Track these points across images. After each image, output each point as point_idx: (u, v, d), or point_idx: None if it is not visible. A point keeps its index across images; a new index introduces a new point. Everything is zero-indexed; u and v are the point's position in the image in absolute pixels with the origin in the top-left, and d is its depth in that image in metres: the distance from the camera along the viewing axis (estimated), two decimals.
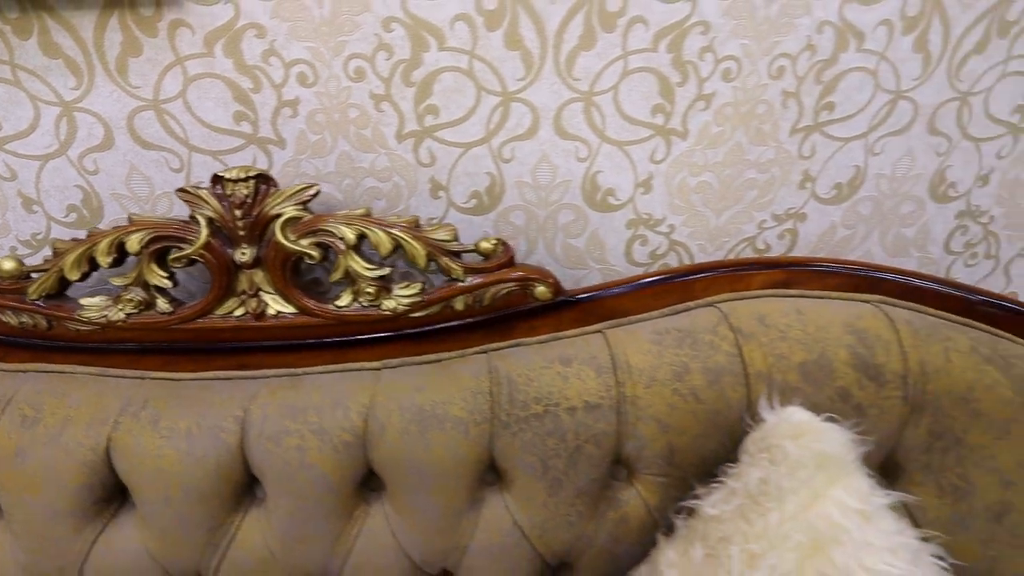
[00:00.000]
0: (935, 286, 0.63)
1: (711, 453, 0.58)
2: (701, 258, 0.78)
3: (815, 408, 0.54)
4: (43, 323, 0.61)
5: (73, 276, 0.61)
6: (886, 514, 0.46)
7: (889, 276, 0.64)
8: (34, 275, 0.61)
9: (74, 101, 0.62)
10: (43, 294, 0.61)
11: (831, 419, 0.51)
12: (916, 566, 0.43)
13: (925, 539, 0.49)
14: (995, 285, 0.91)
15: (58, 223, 0.70)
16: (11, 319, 0.61)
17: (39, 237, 0.70)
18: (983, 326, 0.60)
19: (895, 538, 0.44)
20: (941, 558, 0.48)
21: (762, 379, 0.57)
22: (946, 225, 0.84)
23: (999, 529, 0.56)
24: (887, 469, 0.62)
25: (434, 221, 0.72)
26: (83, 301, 0.62)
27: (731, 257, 0.78)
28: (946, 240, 0.85)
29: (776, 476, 0.46)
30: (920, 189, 0.79)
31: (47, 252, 0.62)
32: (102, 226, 0.69)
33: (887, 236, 0.83)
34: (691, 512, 0.53)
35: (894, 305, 0.62)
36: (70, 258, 0.60)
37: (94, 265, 0.61)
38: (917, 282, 0.64)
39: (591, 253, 0.78)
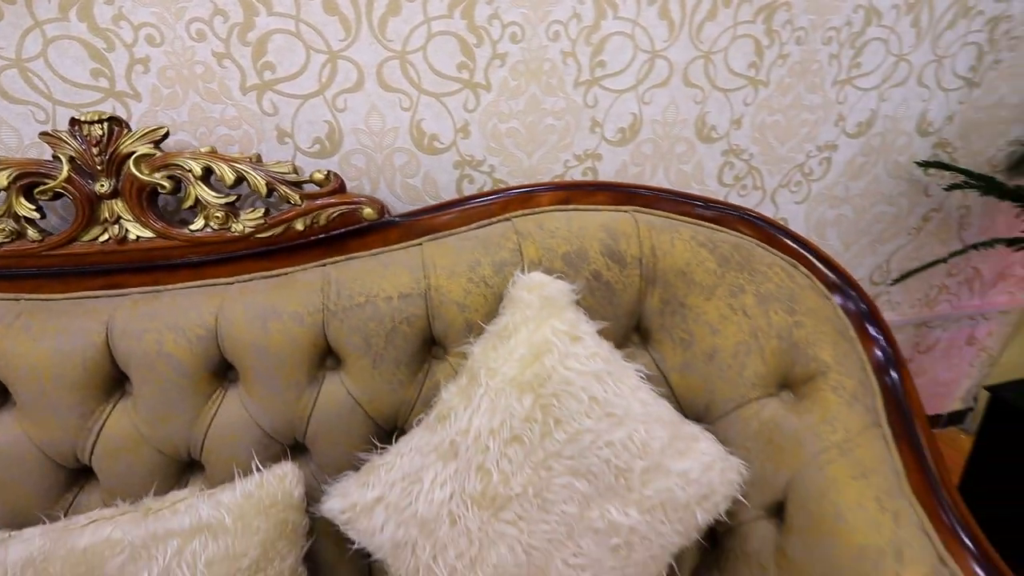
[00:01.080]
0: (673, 197, 0.83)
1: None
2: (518, 182, 0.95)
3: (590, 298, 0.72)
4: None
5: None
6: (591, 337, 0.64)
7: (642, 191, 0.84)
8: None
9: None
10: None
11: (561, 277, 0.69)
12: (609, 366, 0.61)
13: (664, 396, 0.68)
14: (767, 212, 1.15)
15: None
16: None
17: None
18: (700, 222, 0.80)
19: (595, 350, 0.62)
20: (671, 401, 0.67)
21: (535, 266, 0.75)
22: (715, 162, 1.06)
23: (711, 367, 0.76)
24: (641, 333, 0.81)
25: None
26: None
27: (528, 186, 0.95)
28: (718, 174, 1.07)
29: (514, 319, 0.63)
30: (688, 132, 1.01)
31: None
32: None
33: (670, 172, 1.04)
34: (465, 355, 0.69)
35: (641, 211, 0.81)
36: None
37: None
38: (662, 195, 0.83)
39: (427, 191, 0.94)
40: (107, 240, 0.74)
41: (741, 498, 0.67)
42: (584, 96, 0.92)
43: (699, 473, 0.62)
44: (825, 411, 0.67)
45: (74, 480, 0.72)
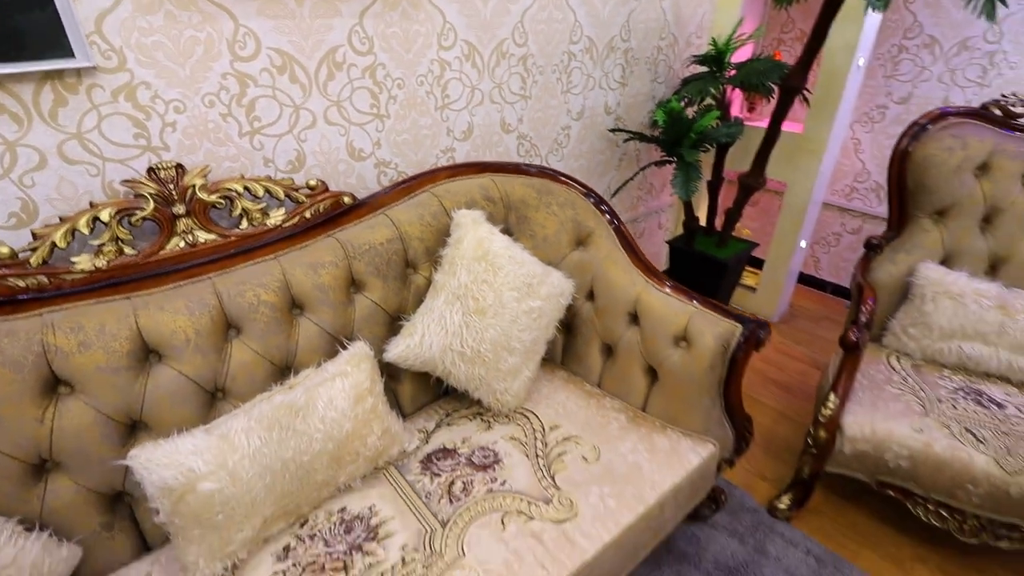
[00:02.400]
0: (505, 165, 1.53)
1: (442, 246, 1.36)
2: (414, 172, 1.55)
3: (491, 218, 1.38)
4: (44, 280, 0.98)
5: (62, 244, 0.99)
6: (498, 233, 1.31)
7: (491, 164, 1.52)
8: (25, 253, 0.97)
9: (17, 140, 0.98)
10: (41, 261, 0.98)
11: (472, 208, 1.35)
12: (510, 245, 1.30)
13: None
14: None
15: (0, 228, 1.01)
16: (19, 283, 0.96)
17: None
18: (523, 175, 1.53)
19: (502, 237, 1.30)
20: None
21: (451, 211, 1.38)
22: (513, 146, 1.81)
23: (547, 243, 1.51)
24: (510, 234, 1.51)
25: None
26: (73, 259, 1.01)
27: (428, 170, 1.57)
28: (515, 153, 1.83)
29: (462, 232, 1.27)
30: (496, 128, 1.73)
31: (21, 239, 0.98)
32: (36, 225, 1.04)
33: (494, 153, 1.75)
34: (431, 269, 1.31)
35: (493, 175, 1.50)
36: (59, 232, 0.98)
37: (70, 235, 1.00)
38: (500, 165, 1.53)
39: (359, 185, 1.46)
40: (183, 246, 1.11)
41: (575, 294, 1.43)
42: (441, 115, 1.56)
43: (558, 284, 1.36)
44: (599, 247, 1.48)
45: (213, 399, 1.10)
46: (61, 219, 1.00)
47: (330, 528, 1.03)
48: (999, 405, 1.39)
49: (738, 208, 2.12)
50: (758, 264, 2.62)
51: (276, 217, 1.21)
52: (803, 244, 2.42)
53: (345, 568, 0.95)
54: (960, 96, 2.22)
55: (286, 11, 1.19)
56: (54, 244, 0.98)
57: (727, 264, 2.12)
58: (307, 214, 1.25)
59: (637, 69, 2.10)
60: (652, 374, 1.35)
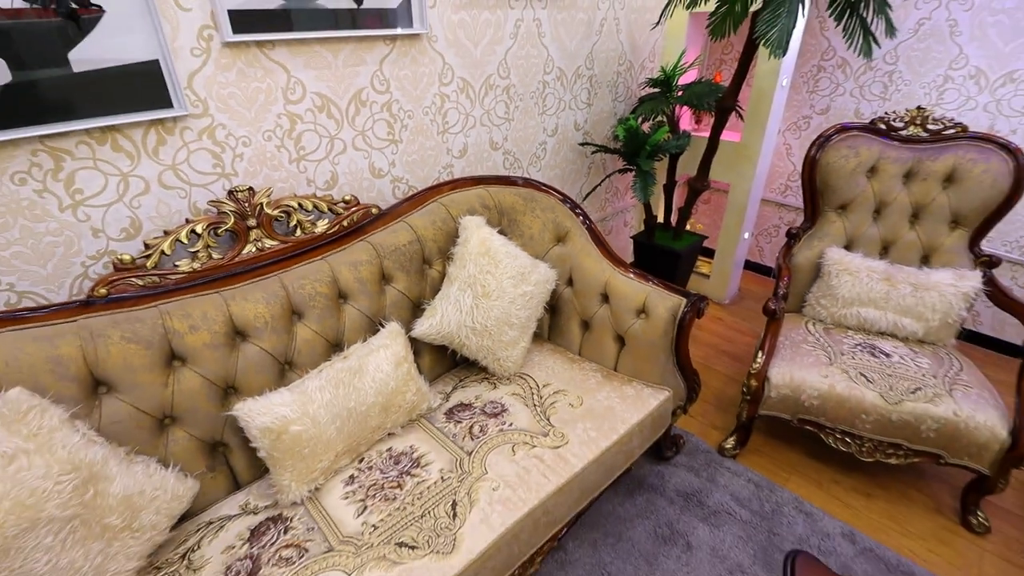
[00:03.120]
0: (496, 177, 1.88)
1: (452, 245, 1.70)
2: (421, 186, 1.87)
3: (488, 222, 1.72)
4: (156, 279, 1.28)
5: (168, 251, 1.29)
6: (497, 234, 1.66)
7: (486, 177, 1.86)
8: (140, 259, 1.26)
9: (129, 172, 1.27)
10: (154, 265, 1.27)
11: (475, 215, 1.69)
12: (507, 243, 1.64)
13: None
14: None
15: (114, 240, 1.30)
16: (138, 281, 1.25)
17: (110, 247, 1.29)
18: (512, 186, 1.87)
19: (500, 238, 1.64)
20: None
21: (456, 217, 1.71)
22: (500, 160, 2.15)
23: (534, 240, 1.85)
24: (505, 234, 1.86)
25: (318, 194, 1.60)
26: (177, 263, 1.31)
27: (433, 184, 1.90)
28: (502, 167, 2.17)
29: (467, 234, 1.61)
30: (485, 147, 2.07)
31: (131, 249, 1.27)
32: (139, 238, 1.33)
33: (484, 167, 2.09)
34: (443, 265, 1.64)
35: (487, 186, 1.84)
36: (166, 242, 1.28)
37: (175, 243, 1.30)
38: (492, 177, 1.87)
39: (379, 198, 1.78)
40: (255, 251, 1.42)
41: (558, 280, 1.79)
42: (442, 138, 1.90)
43: (544, 273, 1.71)
44: (575, 243, 1.84)
45: (283, 369, 1.41)
46: (166, 232, 1.30)
47: (382, 462, 1.36)
48: (887, 355, 1.81)
49: (688, 207, 2.51)
50: (711, 254, 3.04)
51: (322, 226, 1.53)
52: (747, 235, 2.84)
53: (399, 486, 1.28)
54: (868, 108, 2.67)
55: (325, 63, 1.51)
56: (163, 251, 1.28)
57: (681, 254, 2.52)
58: (344, 223, 1.57)
59: (600, 91, 2.48)
60: (620, 341, 1.72)
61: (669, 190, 2.61)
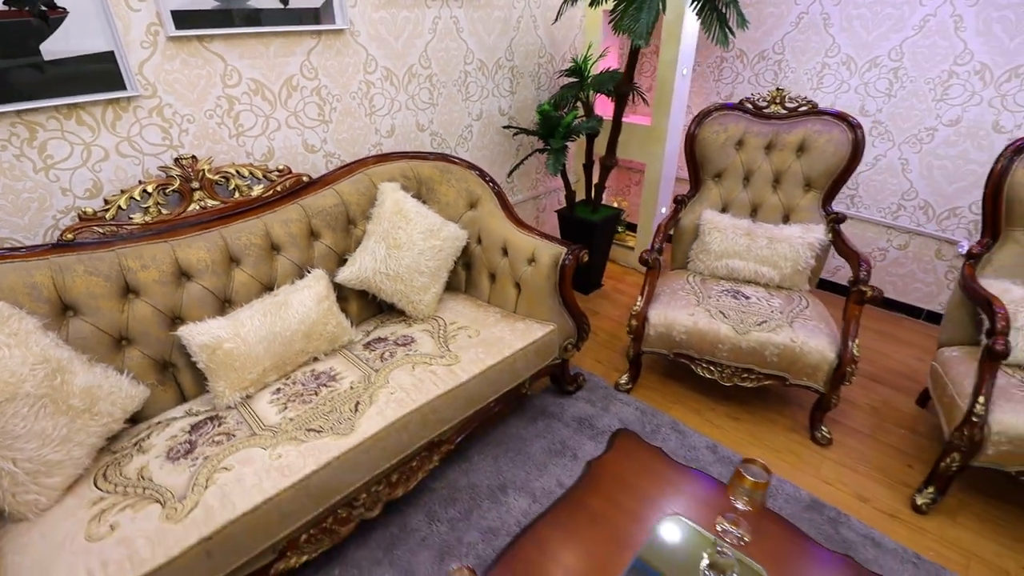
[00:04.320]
0: (415, 152, 2.19)
1: (372, 207, 2.00)
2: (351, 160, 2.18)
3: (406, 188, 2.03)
4: (114, 228, 1.58)
5: (124, 206, 1.59)
6: (411, 198, 1.96)
7: (408, 152, 2.17)
8: (101, 212, 1.56)
9: (91, 142, 1.57)
10: (112, 217, 1.57)
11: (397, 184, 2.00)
12: (418, 205, 1.96)
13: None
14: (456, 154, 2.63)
15: (80, 199, 1.59)
16: (100, 230, 1.55)
17: (91, 194, 1.58)
18: (429, 160, 2.18)
19: (413, 200, 1.95)
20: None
21: (377, 185, 2.02)
22: (428, 141, 2.46)
23: (449, 207, 2.16)
24: (424, 202, 2.18)
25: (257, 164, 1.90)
26: (132, 216, 1.60)
27: (361, 158, 2.20)
28: (429, 146, 2.48)
29: (384, 196, 1.92)
30: (412, 128, 2.38)
31: (96, 205, 1.57)
32: (100, 197, 1.62)
33: (412, 146, 2.40)
34: (364, 224, 1.95)
35: (409, 160, 2.15)
36: (122, 198, 1.58)
37: (130, 200, 1.60)
38: (412, 152, 2.18)
39: (312, 169, 2.09)
40: (198, 209, 1.72)
41: (470, 240, 2.10)
42: (370, 120, 2.20)
43: (453, 231, 2.02)
44: (484, 207, 2.15)
45: (223, 305, 1.71)
46: (122, 191, 1.60)
47: (304, 378, 1.67)
48: (747, 297, 2.14)
49: (601, 182, 2.84)
50: (637, 229, 3.37)
51: (257, 190, 1.83)
52: (664, 210, 3.17)
53: (316, 394, 1.59)
54: (764, 93, 3.02)
55: (257, 54, 1.81)
56: (119, 206, 1.58)
57: (596, 224, 2.84)
58: (278, 188, 1.87)
59: (523, 81, 2.80)
60: (517, 287, 2.04)
61: (588, 169, 2.94)
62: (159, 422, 1.52)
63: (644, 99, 2.77)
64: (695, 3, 2.07)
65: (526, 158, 2.76)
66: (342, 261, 1.95)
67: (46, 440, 1.23)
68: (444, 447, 1.73)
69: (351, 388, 1.61)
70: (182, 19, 1.61)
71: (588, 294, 3.13)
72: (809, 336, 1.93)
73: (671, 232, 2.40)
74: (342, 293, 1.93)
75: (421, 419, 1.57)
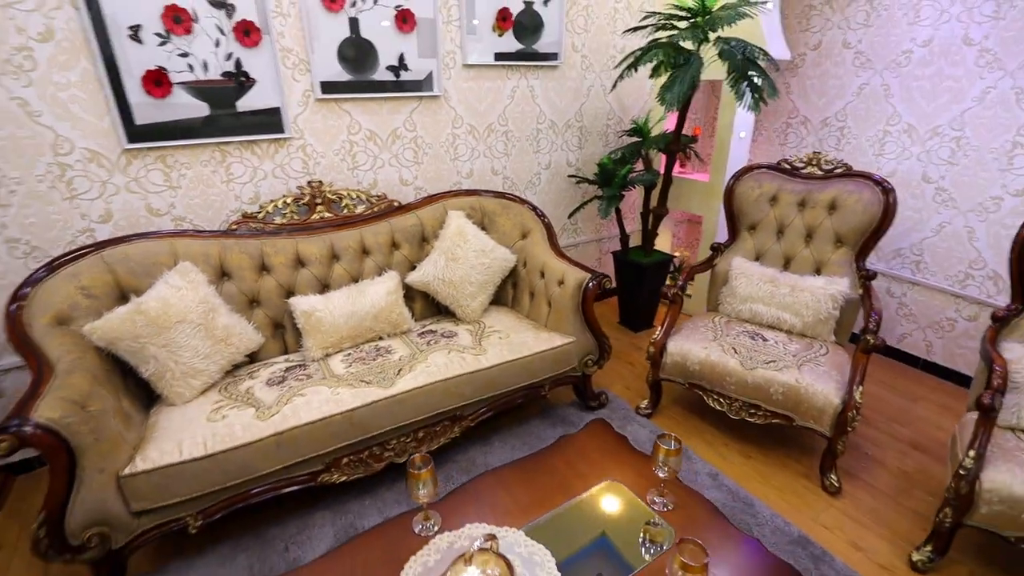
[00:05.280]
0: (485, 190, 2.71)
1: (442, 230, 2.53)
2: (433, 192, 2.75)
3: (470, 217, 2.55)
4: (262, 226, 2.26)
5: (271, 211, 2.28)
6: (473, 226, 2.46)
7: (479, 191, 2.70)
8: (257, 213, 2.25)
9: (257, 166, 2.29)
10: (262, 218, 2.26)
11: (461, 213, 2.52)
12: (479, 232, 2.44)
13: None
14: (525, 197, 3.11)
15: (245, 203, 2.31)
16: (254, 226, 2.24)
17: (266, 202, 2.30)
18: (495, 197, 2.69)
19: (475, 228, 2.44)
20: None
21: (451, 210, 2.56)
22: (500, 183, 2.98)
23: (505, 235, 2.63)
24: (486, 230, 2.67)
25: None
26: (274, 219, 2.29)
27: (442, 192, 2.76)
28: (501, 188, 3.00)
29: (450, 220, 2.43)
30: (488, 173, 2.92)
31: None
32: (259, 203, 2.33)
33: (487, 187, 2.93)
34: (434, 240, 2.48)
35: (479, 196, 2.68)
36: (270, 206, 2.27)
37: (275, 207, 2.29)
38: (486, 191, 2.71)
39: (406, 198, 2.69)
40: (318, 218, 2.36)
41: (519, 265, 2.54)
42: (453, 164, 2.78)
43: (502, 254, 2.46)
44: (533, 238, 2.58)
45: (323, 287, 2.31)
46: (271, 201, 2.29)
47: (368, 349, 2.17)
48: (764, 340, 2.29)
49: (653, 228, 3.14)
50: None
51: (360, 209, 2.45)
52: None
53: (373, 359, 2.08)
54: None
55: (374, 111, 2.48)
56: (268, 211, 2.27)
57: (645, 267, 3.12)
58: (375, 209, 2.48)
59: (591, 138, 3.25)
60: (549, 305, 2.41)
61: (645, 217, 3.26)
62: (266, 363, 2.11)
63: (698, 157, 3.06)
64: (729, 76, 2.38)
65: (586, 203, 3.15)
66: (412, 268, 2.49)
67: (196, 353, 1.84)
68: (464, 422, 2.11)
69: (399, 360, 2.08)
70: (326, 87, 2.32)
71: (637, 331, 3.37)
72: (815, 379, 2.04)
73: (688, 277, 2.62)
74: (410, 293, 2.45)
75: (444, 389, 1.98)
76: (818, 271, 2.44)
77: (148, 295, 1.81)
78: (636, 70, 2.58)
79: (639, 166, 3.28)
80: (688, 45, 2.54)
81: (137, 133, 2.01)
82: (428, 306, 2.52)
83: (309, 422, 1.74)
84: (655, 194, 3.24)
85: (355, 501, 2.00)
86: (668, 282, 3.61)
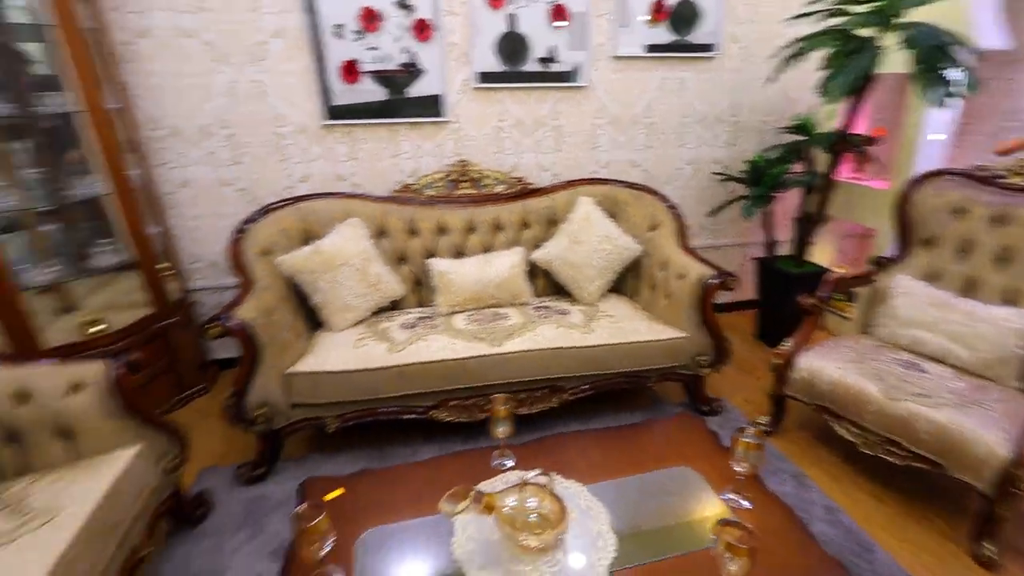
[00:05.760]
0: (616, 180, 2.74)
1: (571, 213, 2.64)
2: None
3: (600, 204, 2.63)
4: (415, 195, 2.61)
5: (424, 184, 2.62)
6: (600, 212, 2.53)
7: (612, 179, 2.75)
8: (413, 184, 2.62)
9: (419, 144, 2.66)
10: (416, 189, 2.61)
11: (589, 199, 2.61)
12: (605, 217, 2.50)
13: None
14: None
15: (404, 175, 2.69)
16: (409, 195, 2.61)
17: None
18: (627, 187, 2.71)
19: (601, 213, 2.51)
20: None
21: (584, 198, 2.66)
22: (638, 176, 2.98)
23: (635, 226, 2.64)
24: (614, 219, 2.72)
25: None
26: (426, 191, 2.63)
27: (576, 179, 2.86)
28: (638, 180, 3.00)
29: (579, 206, 2.54)
30: (625, 164, 2.94)
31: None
32: (416, 176, 2.70)
33: (623, 178, 2.97)
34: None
35: (613, 185, 2.73)
36: (424, 180, 2.62)
37: (428, 181, 2.63)
38: (619, 181, 2.75)
39: (542, 181, 2.86)
40: (461, 194, 2.65)
41: (643, 256, 2.54)
42: (592, 153, 2.87)
43: (625, 242, 2.49)
44: (663, 231, 2.56)
45: (459, 254, 2.59)
46: (425, 175, 2.64)
47: (487, 312, 2.39)
48: (921, 371, 1.97)
49: (807, 236, 2.85)
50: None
51: (499, 189, 2.68)
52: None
53: (490, 322, 2.29)
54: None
55: (522, 100, 2.68)
56: (422, 184, 2.61)
57: (792, 277, 2.85)
58: (513, 190, 2.69)
59: (745, 135, 3.06)
60: (668, 298, 2.37)
61: (799, 223, 2.97)
62: (403, 311, 2.46)
63: (866, 158, 2.70)
64: (917, 66, 2.07)
65: (730, 202, 2.99)
66: (538, 247, 2.65)
67: (352, 292, 2.24)
68: (563, 395, 2.21)
69: (511, 325, 2.25)
70: (482, 77, 2.58)
71: (775, 347, 3.09)
72: (978, 424, 1.71)
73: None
74: (534, 271, 2.62)
75: (546, 357, 2.11)
76: (1011, 302, 2.00)
77: (324, 240, 2.26)
78: (799, 61, 2.38)
79: (800, 168, 2.99)
80: (864, 32, 2.26)
81: (332, 112, 2.49)
82: (549, 285, 2.66)
83: (427, 361, 2.01)
84: (814, 198, 2.94)
85: (458, 444, 2.23)
86: (839, 303, 3.24)
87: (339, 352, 2.04)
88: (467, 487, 1.09)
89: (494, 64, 2.57)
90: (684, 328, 2.25)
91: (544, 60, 2.62)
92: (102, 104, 2.09)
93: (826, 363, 2.07)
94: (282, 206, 2.36)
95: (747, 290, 3.46)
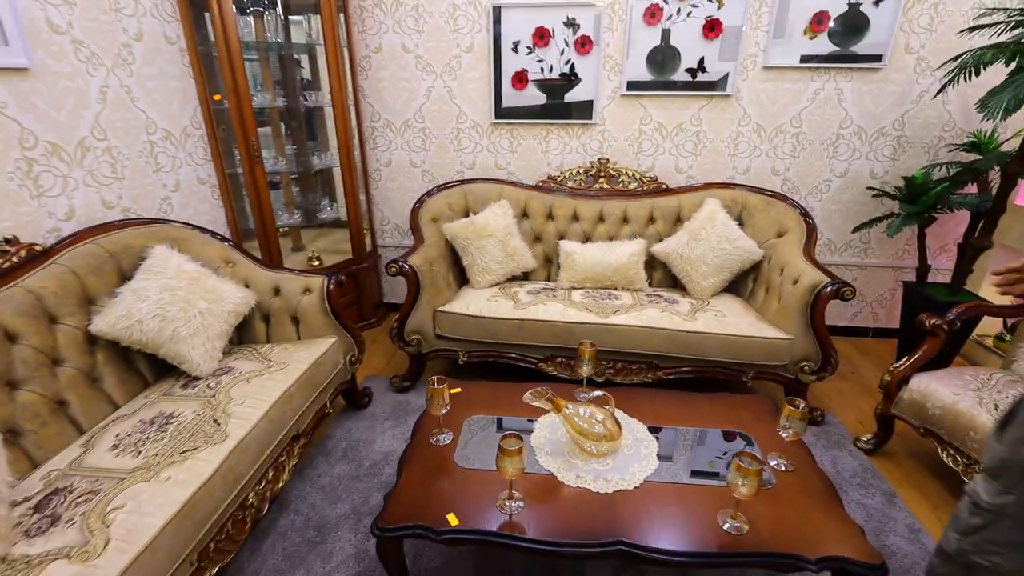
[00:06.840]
0: (747, 185, 2.84)
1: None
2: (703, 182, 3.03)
3: (727, 208, 2.78)
4: (557, 187, 3.04)
5: (565, 177, 3.04)
6: (724, 214, 2.68)
7: (745, 184, 2.86)
8: (557, 176, 3.05)
9: (568, 143, 3.08)
10: (559, 181, 3.04)
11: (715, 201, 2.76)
12: (728, 220, 2.65)
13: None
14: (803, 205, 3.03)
15: (550, 169, 3.14)
16: (553, 186, 3.04)
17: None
18: (759, 193, 2.79)
19: (725, 212, 2.66)
20: None
21: (710, 201, 2.83)
22: (779, 184, 3.01)
23: (761, 231, 2.73)
24: (742, 225, 2.83)
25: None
26: (567, 183, 3.05)
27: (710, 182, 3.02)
28: (779, 189, 3.02)
29: (704, 206, 2.71)
30: (767, 172, 3.00)
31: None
32: (559, 169, 3.12)
33: (761, 185, 3.03)
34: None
35: (745, 191, 2.84)
36: (566, 173, 3.03)
37: (570, 174, 3.03)
38: (752, 187, 2.85)
39: (676, 183, 3.07)
40: (598, 188, 3.01)
41: (765, 261, 2.63)
42: (730, 160, 2.99)
43: (747, 245, 2.60)
44: (789, 238, 2.61)
45: (586, 240, 2.96)
46: (569, 169, 3.05)
47: (602, 292, 2.72)
48: None
49: (967, 263, 2.61)
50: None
51: (632, 186, 2.98)
52: None
53: (604, 300, 2.62)
54: None
55: (665, 106, 2.93)
56: (564, 177, 3.03)
57: (939, 304, 2.65)
58: (644, 188, 2.97)
59: (911, 150, 2.88)
60: (779, 301, 2.44)
61: (962, 249, 2.73)
62: (532, 282, 2.92)
63: None
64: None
65: (878, 220, 2.85)
66: (659, 240, 2.89)
67: (494, 259, 2.76)
68: (658, 372, 2.46)
69: (620, 304, 2.56)
70: (631, 85, 2.90)
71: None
72: None
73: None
74: (652, 263, 2.87)
75: (645, 334, 2.38)
76: None
77: (479, 215, 2.81)
78: (963, 75, 2.25)
79: (973, 189, 2.74)
80: None
81: (500, 113, 3.03)
82: (666, 277, 2.89)
83: (542, 319, 2.44)
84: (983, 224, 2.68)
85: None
86: (999, 342, 2.89)
87: (477, 302, 2.57)
88: (547, 389, 1.48)
89: (644, 74, 2.87)
90: (789, 331, 2.32)
91: (691, 70, 2.83)
92: (344, 101, 2.90)
93: (941, 386, 2.00)
94: (452, 186, 2.98)
95: (894, 317, 3.23)
